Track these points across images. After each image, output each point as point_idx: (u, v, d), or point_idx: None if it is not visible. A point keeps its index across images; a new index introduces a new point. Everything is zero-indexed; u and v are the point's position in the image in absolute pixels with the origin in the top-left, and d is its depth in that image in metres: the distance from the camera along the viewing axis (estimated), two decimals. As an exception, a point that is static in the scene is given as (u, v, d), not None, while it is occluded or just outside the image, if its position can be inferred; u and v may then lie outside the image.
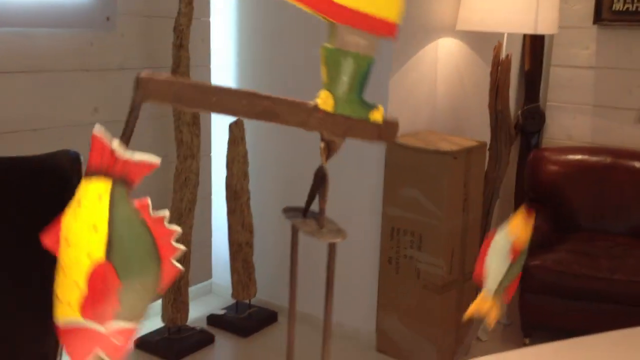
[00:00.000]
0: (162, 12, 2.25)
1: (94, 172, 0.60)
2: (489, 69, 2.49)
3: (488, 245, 0.76)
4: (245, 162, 2.44)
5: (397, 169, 2.27)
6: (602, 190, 2.80)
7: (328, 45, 0.66)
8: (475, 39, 2.66)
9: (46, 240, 0.60)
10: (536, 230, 2.54)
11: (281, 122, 0.63)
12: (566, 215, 2.80)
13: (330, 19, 0.64)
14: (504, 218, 3.29)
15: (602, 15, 2.91)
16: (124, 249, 0.58)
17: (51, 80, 1.98)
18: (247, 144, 2.44)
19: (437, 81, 2.56)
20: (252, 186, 2.49)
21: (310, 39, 2.42)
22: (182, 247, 0.60)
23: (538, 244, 2.43)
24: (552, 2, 2.33)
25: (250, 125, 2.43)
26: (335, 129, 0.65)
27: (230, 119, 2.36)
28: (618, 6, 2.86)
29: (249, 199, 2.49)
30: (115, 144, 0.60)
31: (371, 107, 0.67)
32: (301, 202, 2.29)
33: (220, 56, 2.59)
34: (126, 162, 0.61)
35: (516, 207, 3.24)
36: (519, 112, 3.23)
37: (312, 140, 2.47)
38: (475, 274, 0.78)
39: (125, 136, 0.60)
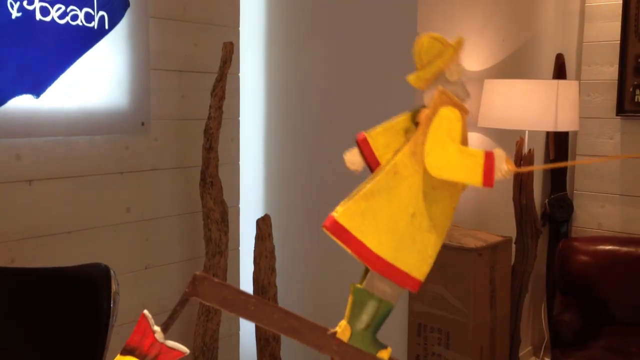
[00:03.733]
0: (193, 115, 2.37)
1: (130, 350, 0.66)
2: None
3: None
4: (272, 257, 2.48)
5: (423, 264, 2.28)
6: (635, 281, 2.75)
7: (358, 286, 0.75)
8: (498, 133, 2.71)
9: None
10: (568, 325, 2.51)
11: (300, 341, 0.71)
12: (599, 307, 2.74)
13: (367, 265, 0.73)
14: (536, 312, 3.23)
15: (625, 107, 2.95)
16: None
17: (88, 184, 2.08)
18: (275, 239, 2.48)
19: (460, 175, 2.59)
20: (279, 281, 2.52)
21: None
22: None
23: (570, 341, 2.37)
24: (571, 101, 2.38)
25: (277, 223, 2.48)
26: (344, 357, 0.73)
27: (258, 215, 2.42)
28: (639, 98, 2.90)
29: (276, 293, 2.50)
30: (157, 330, 0.66)
31: (382, 346, 0.75)
32: (327, 298, 2.30)
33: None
34: (161, 347, 0.66)
35: (548, 300, 3.18)
36: (546, 200, 3.23)
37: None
38: None
39: (167, 324, 0.66)
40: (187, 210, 2.42)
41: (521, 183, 2.48)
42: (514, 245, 2.52)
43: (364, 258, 0.73)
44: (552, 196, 3.22)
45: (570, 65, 3.21)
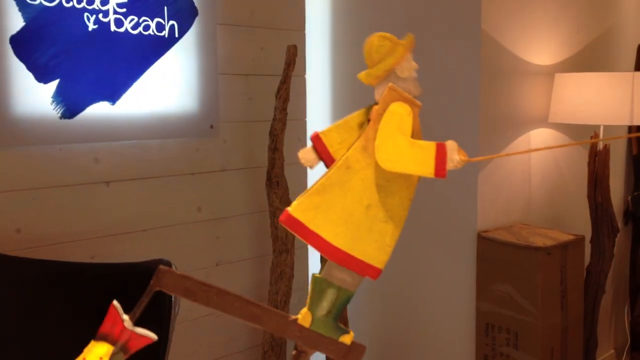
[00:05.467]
0: (259, 117, 2.44)
1: (103, 336, 0.71)
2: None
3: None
4: (338, 255, 2.51)
5: (489, 263, 2.25)
6: None
7: (316, 275, 0.79)
8: (573, 128, 2.62)
9: None
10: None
11: (264, 327, 0.76)
12: (687, 311, 2.59)
13: (325, 256, 0.76)
14: (618, 314, 3.09)
15: None
16: None
17: (161, 185, 2.20)
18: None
19: (531, 173, 2.53)
20: (346, 279, 2.55)
21: None
22: None
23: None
24: (647, 93, 2.27)
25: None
26: (307, 342, 0.76)
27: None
28: None
29: (342, 291, 2.54)
30: (126, 318, 0.72)
31: (343, 331, 0.78)
32: (392, 296, 2.29)
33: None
34: (131, 334, 0.71)
35: (632, 302, 3.04)
36: (629, 197, 3.08)
37: (403, 239, 2.52)
38: None
39: (135, 313, 0.72)
40: (255, 209, 2.49)
41: (596, 180, 2.39)
42: (589, 245, 2.43)
43: (321, 249, 0.76)
44: (636, 193, 3.07)
45: (653, 56, 3.04)
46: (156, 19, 2.10)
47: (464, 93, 2.29)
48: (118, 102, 2.04)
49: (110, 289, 1.37)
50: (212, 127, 2.30)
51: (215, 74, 2.29)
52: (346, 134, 0.79)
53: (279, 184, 2.30)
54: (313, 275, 0.79)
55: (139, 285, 1.50)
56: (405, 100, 0.75)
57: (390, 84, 0.76)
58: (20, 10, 1.81)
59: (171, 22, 2.15)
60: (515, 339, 2.17)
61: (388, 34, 0.78)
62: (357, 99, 2.67)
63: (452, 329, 2.38)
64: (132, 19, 2.04)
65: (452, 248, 2.35)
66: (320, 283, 0.78)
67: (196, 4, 2.21)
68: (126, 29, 2.03)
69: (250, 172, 2.46)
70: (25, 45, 1.83)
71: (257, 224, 2.51)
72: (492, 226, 2.34)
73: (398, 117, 0.74)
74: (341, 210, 0.75)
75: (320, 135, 0.79)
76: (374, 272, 0.77)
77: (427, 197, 2.41)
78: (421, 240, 2.46)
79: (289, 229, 0.77)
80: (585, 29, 2.70)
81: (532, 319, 2.12)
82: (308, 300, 0.79)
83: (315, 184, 0.77)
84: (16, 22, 1.81)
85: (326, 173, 0.77)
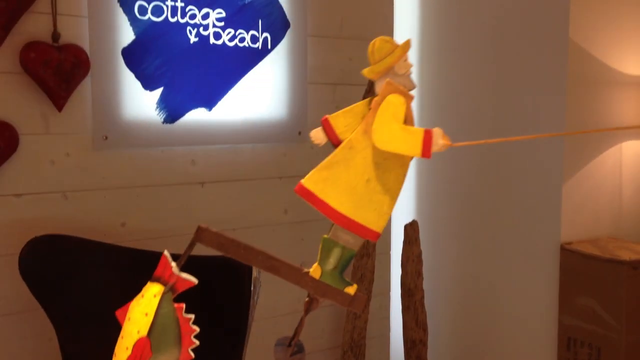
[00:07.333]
0: (346, 125, 2.54)
1: (156, 279, 0.86)
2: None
3: None
4: (419, 261, 2.56)
5: (573, 275, 2.21)
6: None
7: (325, 236, 0.93)
8: (668, 141, 2.52)
9: (118, 314, 0.88)
10: None
11: (281, 277, 0.90)
12: None
13: (332, 221, 0.90)
14: None
15: None
16: (159, 333, 0.84)
17: (251, 187, 2.34)
18: (423, 244, 2.56)
19: (622, 185, 2.46)
20: (427, 285, 2.59)
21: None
22: (196, 342, 0.85)
23: None
24: None
25: (425, 228, 2.56)
26: (318, 291, 0.91)
27: (406, 220, 2.52)
28: None
29: (422, 297, 2.58)
30: (174, 265, 0.86)
31: (348, 283, 0.91)
32: (474, 304, 2.32)
33: None
34: (178, 278, 0.85)
35: None
36: None
37: (485, 242, 2.51)
38: None
39: (180, 261, 0.86)
40: (340, 214, 2.59)
41: (692, 195, 2.29)
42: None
43: (329, 215, 0.89)
44: None
45: None
46: (251, 32, 2.25)
47: (550, 103, 2.28)
48: (214, 109, 2.20)
49: (198, 276, 1.51)
50: (300, 133, 2.42)
51: (304, 83, 2.42)
52: (351, 119, 0.92)
53: (362, 189, 2.38)
54: (322, 236, 0.92)
55: (222, 273, 1.63)
56: (400, 92, 0.89)
57: (388, 79, 0.89)
58: (131, 25, 2.02)
59: (265, 34, 2.29)
60: (598, 354, 2.12)
61: (389, 38, 0.91)
62: (444, 106, 2.71)
63: (533, 341, 2.36)
64: (229, 32, 2.20)
65: (535, 259, 2.34)
66: (328, 243, 0.91)
67: (288, 17, 2.35)
68: (224, 41, 2.19)
69: (335, 177, 2.56)
70: (134, 57, 2.03)
71: (340, 228, 2.60)
72: (578, 238, 2.30)
73: (393, 106, 0.87)
74: (345, 183, 0.90)
75: (329, 119, 0.92)
76: (373, 235, 0.90)
77: (509, 207, 2.41)
78: (503, 251, 2.46)
79: (301, 196, 0.91)
80: (686, 38, 2.60)
81: (615, 334, 2.07)
82: (318, 257, 0.92)
83: (324, 161, 0.91)
84: (128, 35, 2.01)
85: (333, 152, 0.92)
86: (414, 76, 3.03)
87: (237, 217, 2.32)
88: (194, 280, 0.86)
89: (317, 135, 0.94)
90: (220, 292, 1.55)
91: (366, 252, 2.42)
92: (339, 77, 2.53)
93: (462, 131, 2.62)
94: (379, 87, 0.90)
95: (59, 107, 1.91)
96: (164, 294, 0.85)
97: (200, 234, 0.87)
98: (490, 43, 2.50)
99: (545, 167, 2.29)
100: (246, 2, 2.23)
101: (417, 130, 0.86)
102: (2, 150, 1.83)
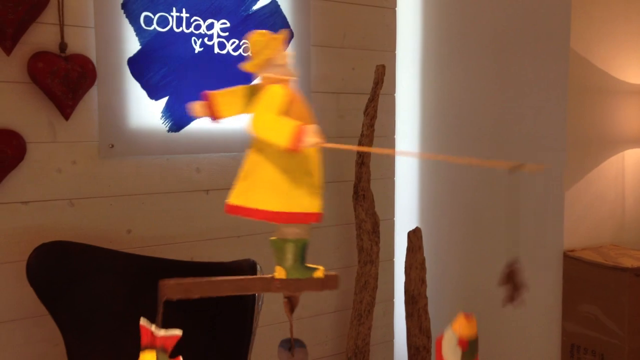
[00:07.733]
0: (349, 133, 2.56)
1: (145, 347, 0.88)
2: (685, 181, 2.36)
3: (440, 342, 0.95)
4: (422, 268, 2.57)
5: (576, 282, 2.22)
6: None
7: (272, 238, 0.94)
8: (671, 149, 2.53)
9: None
10: None
11: (252, 292, 0.94)
12: None
13: (271, 222, 0.91)
14: None
15: None
16: None
17: (255, 194, 2.36)
18: (426, 251, 2.57)
19: (624, 194, 2.47)
20: (430, 292, 2.60)
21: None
22: None
23: None
24: None
25: (429, 236, 2.57)
26: (290, 289, 0.92)
27: (410, 227, 2.53)
28: None
29: (426, 304, 2.59)
30: (154, 328, 0.88)
31: (314, 269, 0.93)
32: (477, 312, 2.34)
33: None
34: (163, 338, 0.87)
35: None
36: None
37: (488, 249, 2.51)
38: None
39: (157, 322, 0.88)
40: (343, 222, 2.61)
41: (695, 202, 2.29)
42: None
43: (266, 218, 0.90)
44: None
45: None
46: (255, 42, 2.28)
47: (551, 112, 2.30)
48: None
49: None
50: (304, 141, 2.44)
51: (308, 92, 2.45)
52: (231, 99, 0.96)
53: (365, 197, 2.40)
54: (270, 239, 0.94)
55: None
56: (279, 81, 0.92)
57: (265, 73, 0.93)
58: (137, 35, 2.05)
59: (269, 44, 2.32)
60: (601, 361, 2.12)
61: (265, 31, 0.94)
62: (446, 115, 2.73)
63: (536, 348, 2.36)
64: (234, 42, 2.23)
65: (538, 266, 2.34)
66: (278, 243, 0.93)
67: (292, 28, 2.38)
68: (228, 51, 2.22)
69: (339, 185, 2.58)
70: (140, 66, 2.06)
71: (344, 235, 2.62)
72: (580, 246, 2.31)
73: (269, 96, 0.90)
74: (267, 183, 0.91)
75: (210, 95, 0.96)
76: (315, 217, 0.91)
77: (512, 214, 2.42)
78: (506, 258, 2.46)
79: (234, 215, 0.92)
80: (687, 46, 2.61)
81: (618, 341, 2.08)
82: (276, 260, 0.94)
83: (238, 176, 0.94)
84: (133, 45, 2.05)
85: (243, 164, 0.94)
86: (414, 88, 3.05)
87: (241, 224, 2.34)
88: (178, 332, 0.87)
89: (197, 109, 0.96)
90: (224, 299, 1.57)
91: (370, 260, 2.44)
92: (342, 86, 2.56)
93: (463, 140, 2.64)
94: (261, 80, 0.94)
95: (66, 116, 1.94)
96: (158, 357, 0.87)
97: (164, 290, 0.89)
98: (491, 53, 2.52)
99: (548, 174, 2.31)
100: (250, 12, 2.26)
101: (290, 123, 0.87)
102: (9, 158, 1.86)
